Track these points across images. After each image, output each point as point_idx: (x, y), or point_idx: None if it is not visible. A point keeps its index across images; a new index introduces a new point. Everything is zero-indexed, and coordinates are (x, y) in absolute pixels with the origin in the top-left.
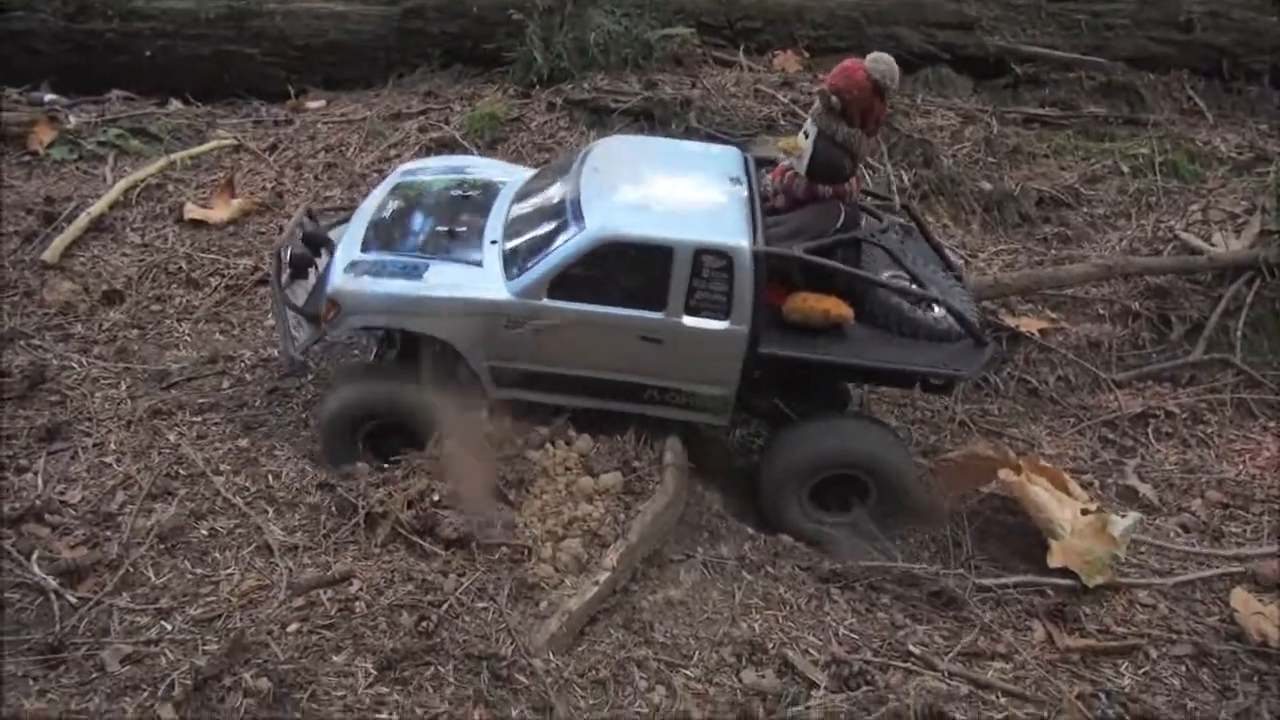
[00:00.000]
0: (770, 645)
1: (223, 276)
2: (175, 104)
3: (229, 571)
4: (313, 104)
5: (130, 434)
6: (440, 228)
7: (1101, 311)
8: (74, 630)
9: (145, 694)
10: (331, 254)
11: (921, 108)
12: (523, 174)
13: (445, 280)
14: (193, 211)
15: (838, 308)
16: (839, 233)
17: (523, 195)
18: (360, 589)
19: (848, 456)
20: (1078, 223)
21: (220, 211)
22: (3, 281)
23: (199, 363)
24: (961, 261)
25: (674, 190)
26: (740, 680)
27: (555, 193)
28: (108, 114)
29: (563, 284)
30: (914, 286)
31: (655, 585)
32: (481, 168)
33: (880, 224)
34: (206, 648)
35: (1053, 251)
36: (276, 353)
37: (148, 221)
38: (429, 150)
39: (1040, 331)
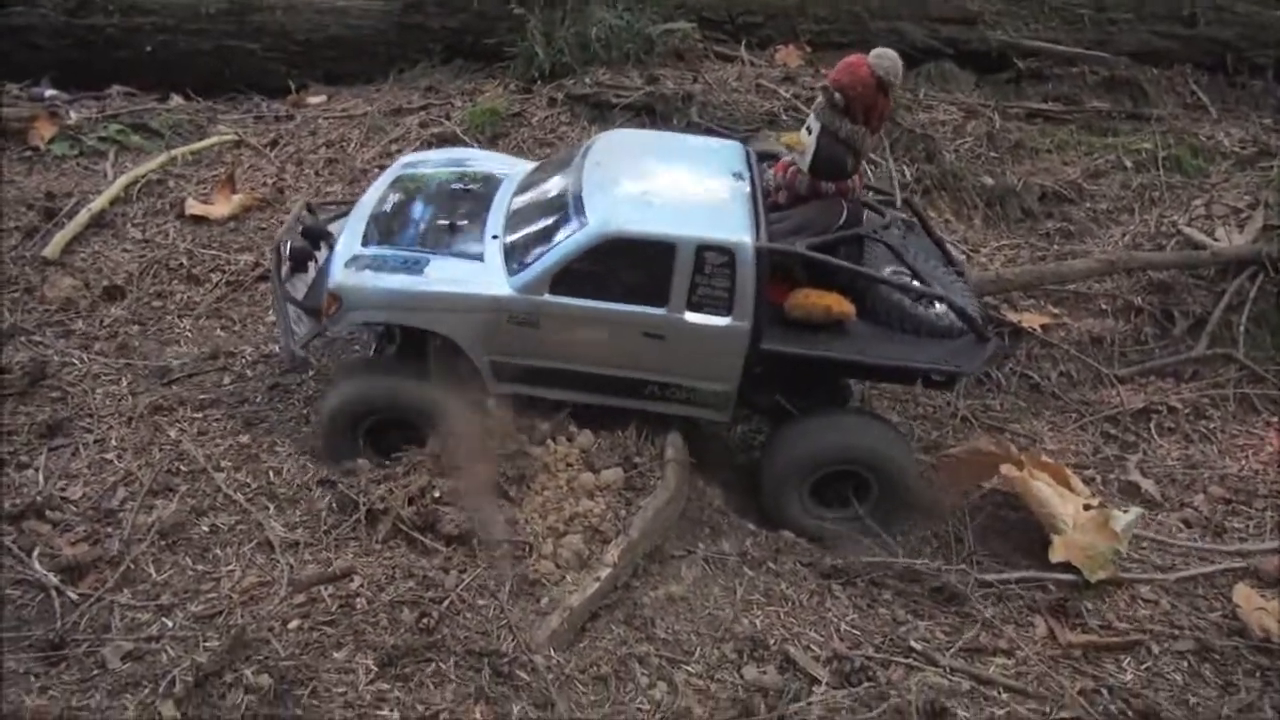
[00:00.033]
0: (772, 641)
1: (224, 272)
2: (176, 99)
3: (230, 568)
4: (313, 99)
5: (131, 430)
6: (441, 221)
7: (1104, 307)
8: (75, 627)
9: (146, 691)
10: (331, 247)
11: (924, 102)
12: (524, 167)
13: (446, 275)
14: (194, 207)
15: (840, 304)
16: (842, 229)
17: (524, 189)
18: (361, 585)
19: (849, 453)
20: (1080, 218)
21: (221, 207)
22: (3, 277)
23: (200, 359)
24: (963, 257)
25: (676, 185)
26: (742, 676)
27: (557, 187)
28: (108, 109)
29: (565, 280)
30: (916, 283)
31: (656, 581)
32: (482, 161)
33: (883, 220)
34: (207, 644)
35: (1055, 247)
36: (278, 348)
37: (148, 217)
38: (430, 145)
39: (1042, 327)
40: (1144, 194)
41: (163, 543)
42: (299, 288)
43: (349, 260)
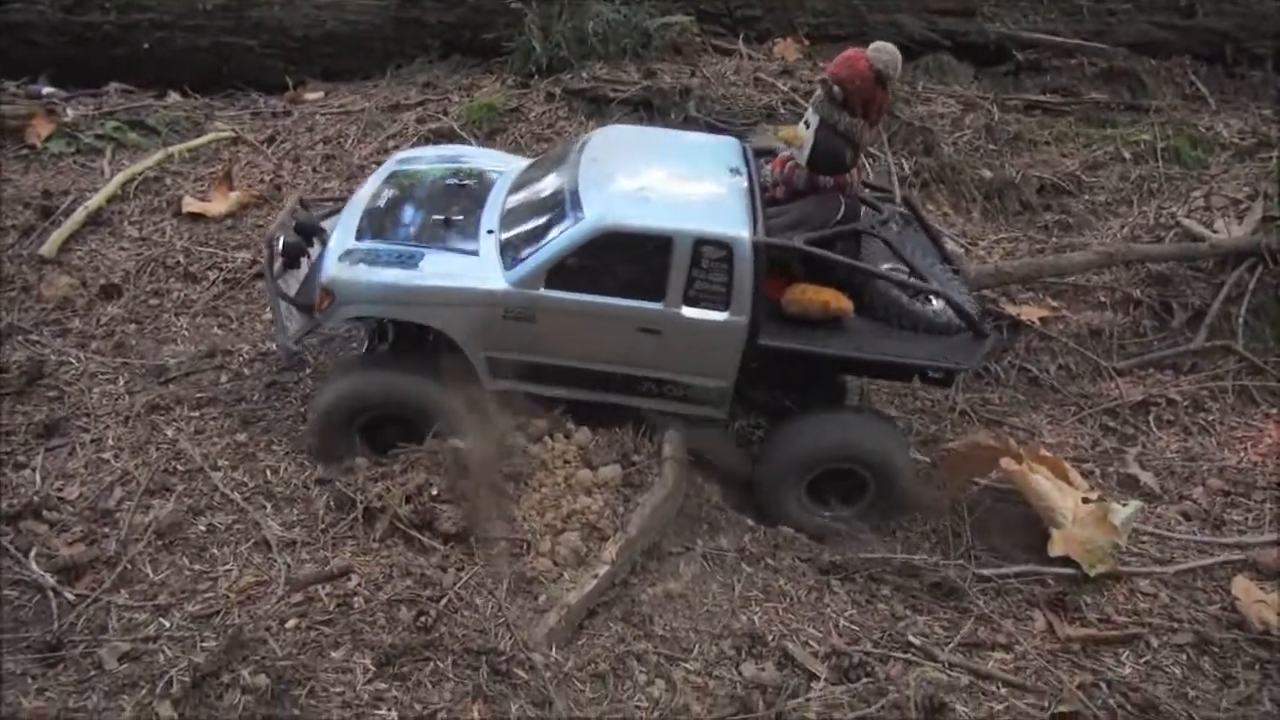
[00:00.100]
0: (770, 637)
1: (221, 270)
2: (173, 96)
3: (227, 567)
4: (311, 95)
5: (128, 429)
6: (436, 217)
7: (1103, 299)
8: (72, 628)
9: (143, 691)
10: (324, 243)
11: (922, 95)
12: (519, 163)
13: (441, 270)
14: (191, 205)
15: (837, 300)
16: (839, 224)
17: (520, 184)
18: (359, 584)
19: (846, 450)
20: (1079, 210)
21: (218, 204)
22: (0, 276)
23: (197, 357)
24: (962, 250)
25: (673, 180)
26: (740, 673)
27: (553, 182)
28: (105, 107)
29: (560, 274)
30: (913, 279)
31: (654, 578)
32: (477, 157)
33: (880, 215)
34: (205, 644)
35: (1054, 239)
36: (275, 346)
37: (145, 215)
38: (427, 141)
39: (1041, 320)
40: (1143, 186)
41: (160, 543)
42: (292, 284)
43: (342, 254)
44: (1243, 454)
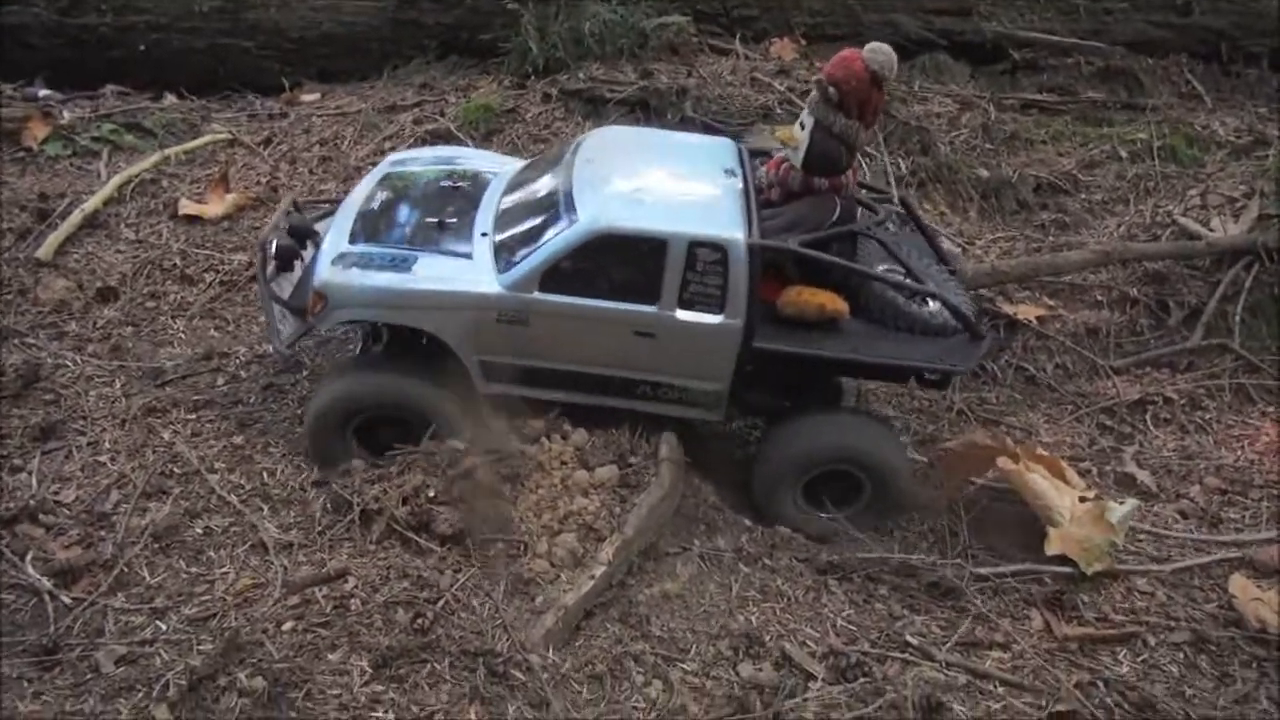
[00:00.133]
0: (768, 638)
1: (217, 272)
2: (170, 98)
3: (224, 570)
4: (307, 97)
5: (125, 432)
6: (429, 219)
7: (1099, 298)
8: (68, 631)
9: (140, 695)
10: (317, 246)
11: (919, 94)
12: (513, 165)
13: (434, 273)
14: (187, 207)
15: (833, 302)
16: (835, 226)
17: (514, 186)
18: (355, 586)
19: (842, 452)
20: (1075, 209)
21: (215, 206)
22: None
23: (193, 360)
24: (959, 250)
25: (668, 182)
26: (737, 673)
27: (547, 184)
28: (102, 109)
29: (554, 277)
30: (909, 280)
31: (652, 579)
32: (472, 158)
33: (876, 216)
34: (201, 647)
35: (1050, 238)
36: (271, 348)
37: (142, 217)
38: (424, 142)
39: (1038, 319)
40: (1139, 184)
41: (156, 545)
42: (285, 287)
43: (335, 258)
44: (1239, 452)
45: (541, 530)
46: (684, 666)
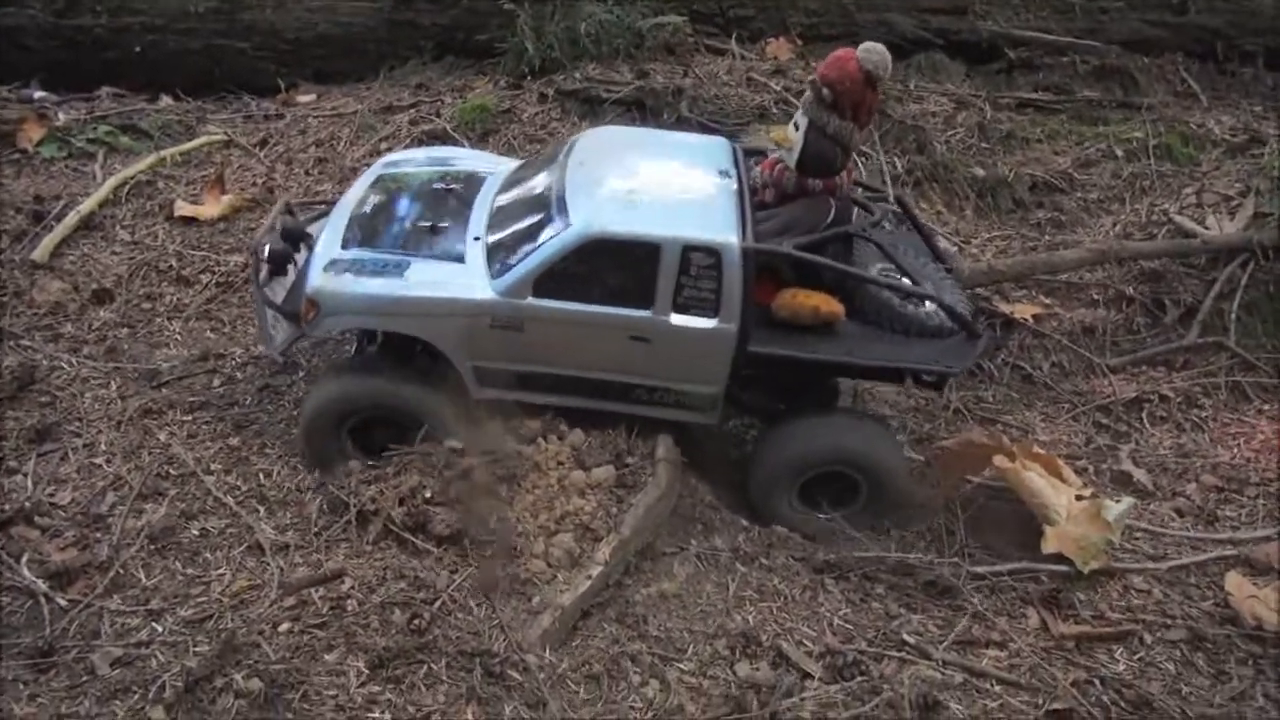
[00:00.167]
0: (764, 637)
1: (213, 274)
2: (165, 100)
3: (220, 571)
4: (303, 98)
5: (120, 434)
6: (422, 223)
7: (1095, 296)
8: (64, 633)
9: (136, 697)
10: (311, 249)
11: (914, 94)
12: (507, 165)
13: (427, 279)
14: (183, 208)
15: (828, 304)
16: (830, 228)
17: (507, 188)
18: (352, 587)
19: (839, 454)
20: (1071, 207)
21: (211, 208)
22: None
23: (189, 361)
24: (955, 249)
25: (661, 184)
26: (734, 673)
27: (540, 186)
28: (97, 111)
29: (548, 282)
30: (905, 281)
31: (648, 579)
32: (466, 159)
33: (872, 216)
34: (197, 649)
35: (1046, 237)
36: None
37: (138, 219)
38: (420, 143)
39: (1034, 317)
40: (1135, 183)
41: (152, 547)
42: (279, 291)
43: (327, 264)
44: (1235, 450)
45: (538, 530)
46: (681, 666)
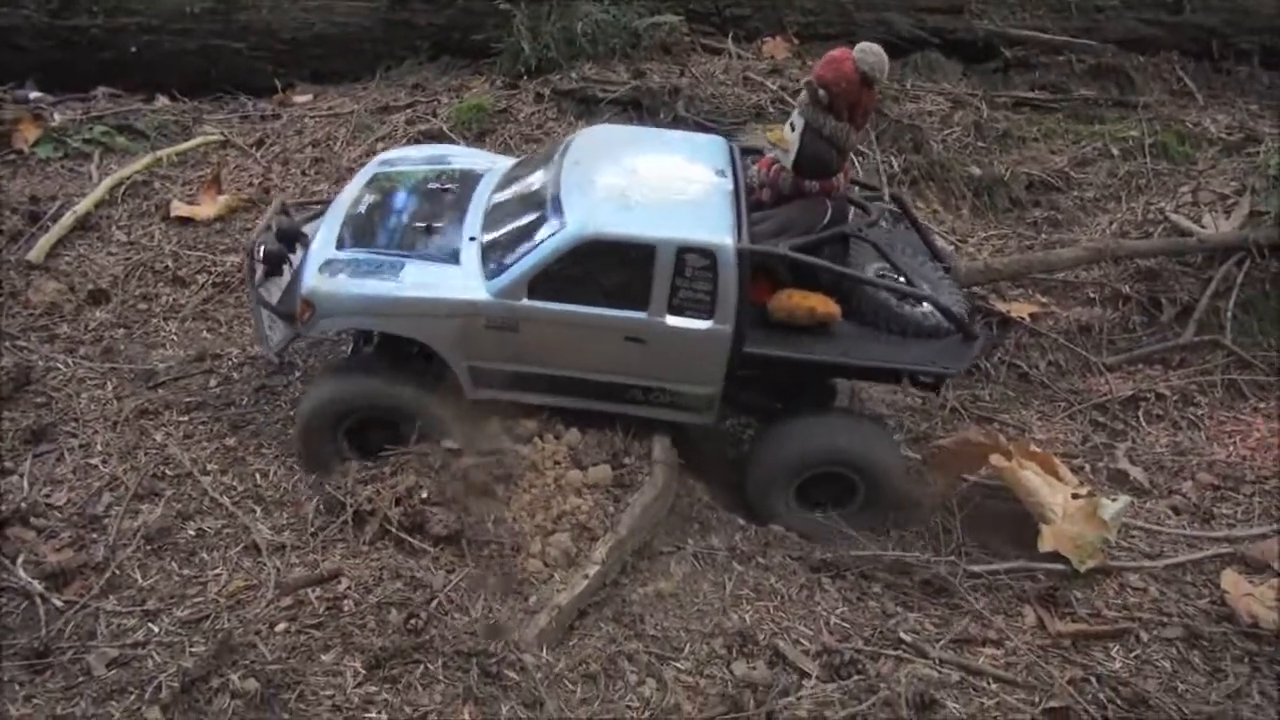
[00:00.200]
0: (761, 636)
1: (210, 274)
2: (161, 100)
3: (216, 572)
4: (300, 98)
5: (116, 435)
6: (417, 223)
7: (1092, 295)
8: (60, 634)
9: (132, 697)
10: (307, 249)
11: (911, 93)
12: (503, 164)
13: (421, 279)
14: (179, 209)
15: (824, 305)
16: (826, 228)
17: (502, 188)
18: (348, 587)
19: (836, 454)
20: (1068, 206)
21: (207, 208)
22: None
23: (186, 361)
24: (952, 248)
25: (657, 184)
26: (731, 672)
27: (535, 186)
28: (93, 111)
29: (542, 283)
30: (901, 282)
31: (645, 578)
32: (461, 158)
33: (868, 216)
34: (194, 649)
35: (1043, 236)
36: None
37: (134, 219)
38: (417, 143)
39: (1031, 316)
40: (1131, 181)
41: (148, 548)
42: (275, 291)
43: (322, 265)
44: (1231, 448)
45: (535, 530)
46: (678, 665)
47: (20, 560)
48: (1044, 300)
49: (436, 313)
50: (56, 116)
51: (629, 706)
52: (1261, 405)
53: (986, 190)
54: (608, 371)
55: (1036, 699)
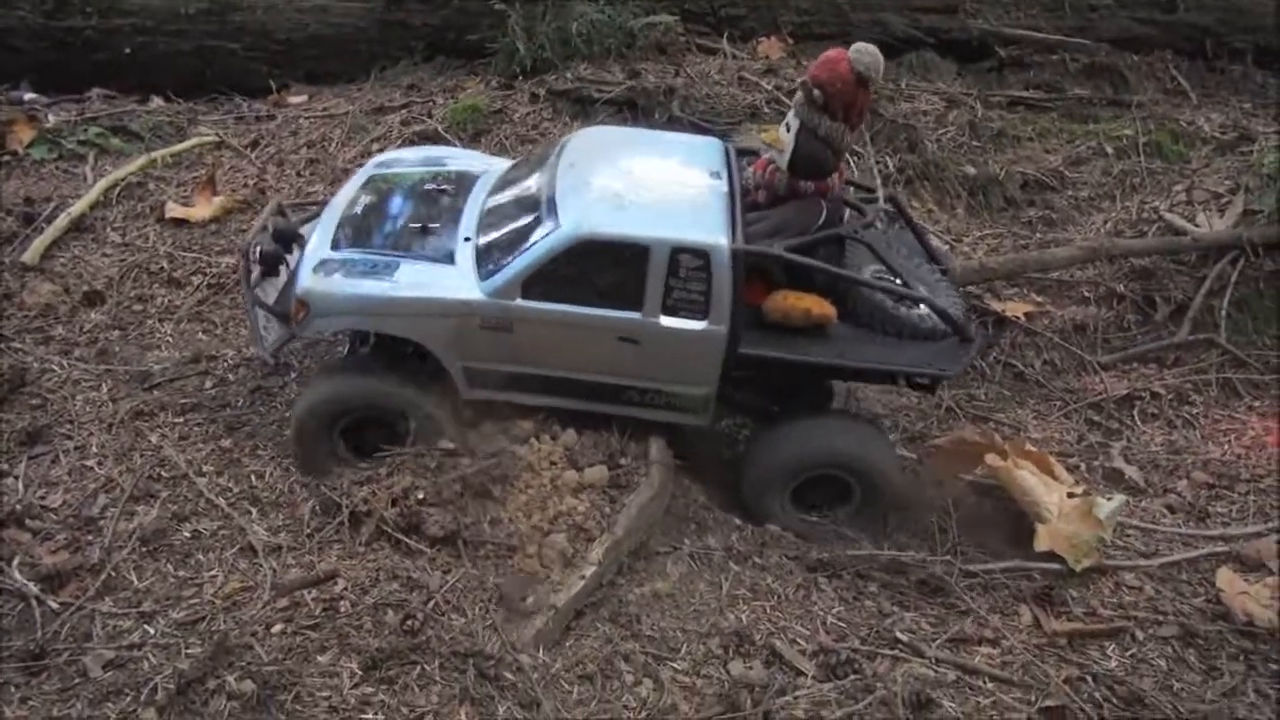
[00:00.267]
0: (758, 636)
1: (205, 275)
2: (156, 101)
3: (212, 573)
4: (295, 99)
5: (112, 436)
6: (413, 224)
7: (1086, 294)
8: (56, 636)
9: (128, 699)
10: (302, 250)
11: (906, 92)
12: (499, 165)
13: (416, 279)
14: (174, 210)
15: (819, 306)
16: (821, 229)
17: (497, 189)
18: (345, 588)
19: (832, 457)
20: (1062, 205)
21: (202, 209)
22: None
23: (181, 363)
24: (947, 248)
25: (651, 185)
26: (728, 672)
27: (530, 187)
28: (88, 112)
29: (537, 284)
30: (897, 283)
31: (642, 578)
32: (457, 159)
33: (864, 217)
34: (189, 651)
35: (1037, 235)
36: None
37: (128, 221)
38: (412, 144)
39: (1026, 315)
40: (1125, 180)
41: (144, 549)
42: (271, 292)
43: (317, 265)
44: (1226, 447)
45: (531, 531)
46: (674, 665)
47: (15, 562)
48: (1039, 299)
49: (431, 313)
50: (51, 118)
51: (626, 707)
52: (1256, 404)
53: (981, 189)
54: (602, 372)
55: (1032, 698)
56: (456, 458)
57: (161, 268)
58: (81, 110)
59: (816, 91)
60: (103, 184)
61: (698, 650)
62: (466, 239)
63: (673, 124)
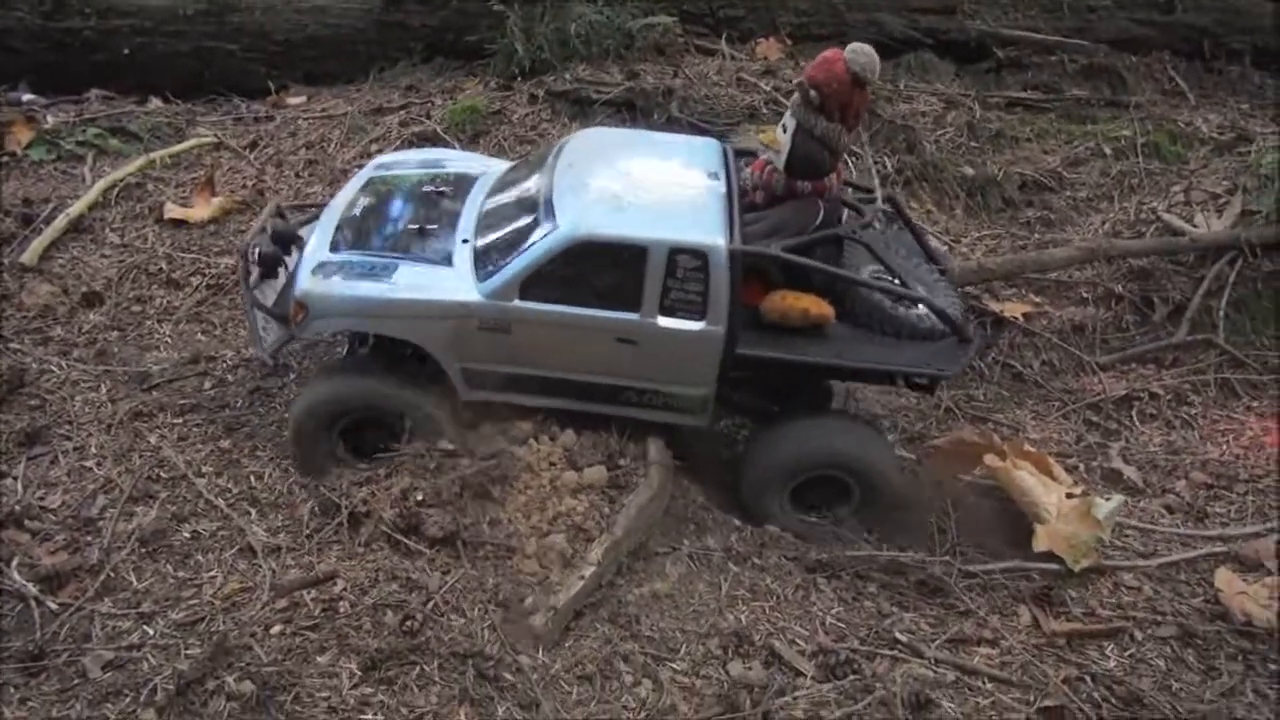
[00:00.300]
0: (757, 636)
1: (204, 276)
2: (155, 102)
3: (211, 574)
4: (293, 100)
5: (111, 437)
6: (411, 225)
7: (1085, 294)
8: (55, 637)
9: (127, 700)
10: (301, 251)
11: (904, 93)
12: (498, 167)
13: (414, 281)
14: (173, 211)
15: (817, 307)
16: (819, 229)
17: (496, 191)
18: (344, 589)
19: (831, 458)
20: (1060, 206)
21: (200, 210)
22: None
23: (180, 364)
24: (946, 248)
25: (649, 186)
26: (727, 672)
27: (528, 188)
28: (86, 113)
29: (535, 285)
30: (896, 283)
31: (641, 579)
32: (456, 161)
33: (863, 217)
34: (189, 652)
35: (1036, 235)
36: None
37: (127, 221)
38: (411, 145)
39: (1024, 316)
40: (1123, 181)
41: (143, 550)
42: (269, 293)
43: (316, 267)
44: (1225, 447)
45: (530, 531)
46: (673, 666)
47: (15, 563)
48: (1037, 300)
49: (429, 314)
50: (49, 119)
51: (625, 707)
52: (1255, 404)
53: (980, 190)
54: (600, 373)
55: (1031, 698)
56: (456, 458)
57: (160, 269)
58: (80, 111)
59: (813, 92)
60: (101, 185)
61: (697, 651)
62: (464, 241)
63: (671, 125)
